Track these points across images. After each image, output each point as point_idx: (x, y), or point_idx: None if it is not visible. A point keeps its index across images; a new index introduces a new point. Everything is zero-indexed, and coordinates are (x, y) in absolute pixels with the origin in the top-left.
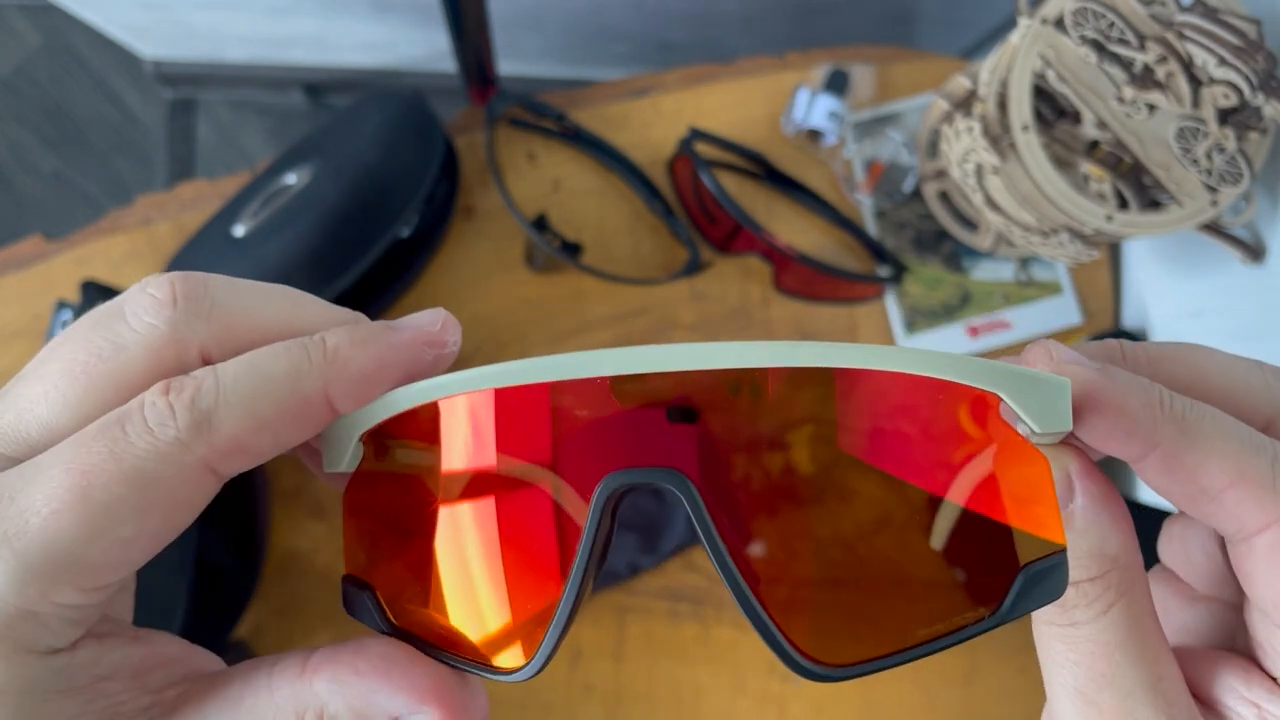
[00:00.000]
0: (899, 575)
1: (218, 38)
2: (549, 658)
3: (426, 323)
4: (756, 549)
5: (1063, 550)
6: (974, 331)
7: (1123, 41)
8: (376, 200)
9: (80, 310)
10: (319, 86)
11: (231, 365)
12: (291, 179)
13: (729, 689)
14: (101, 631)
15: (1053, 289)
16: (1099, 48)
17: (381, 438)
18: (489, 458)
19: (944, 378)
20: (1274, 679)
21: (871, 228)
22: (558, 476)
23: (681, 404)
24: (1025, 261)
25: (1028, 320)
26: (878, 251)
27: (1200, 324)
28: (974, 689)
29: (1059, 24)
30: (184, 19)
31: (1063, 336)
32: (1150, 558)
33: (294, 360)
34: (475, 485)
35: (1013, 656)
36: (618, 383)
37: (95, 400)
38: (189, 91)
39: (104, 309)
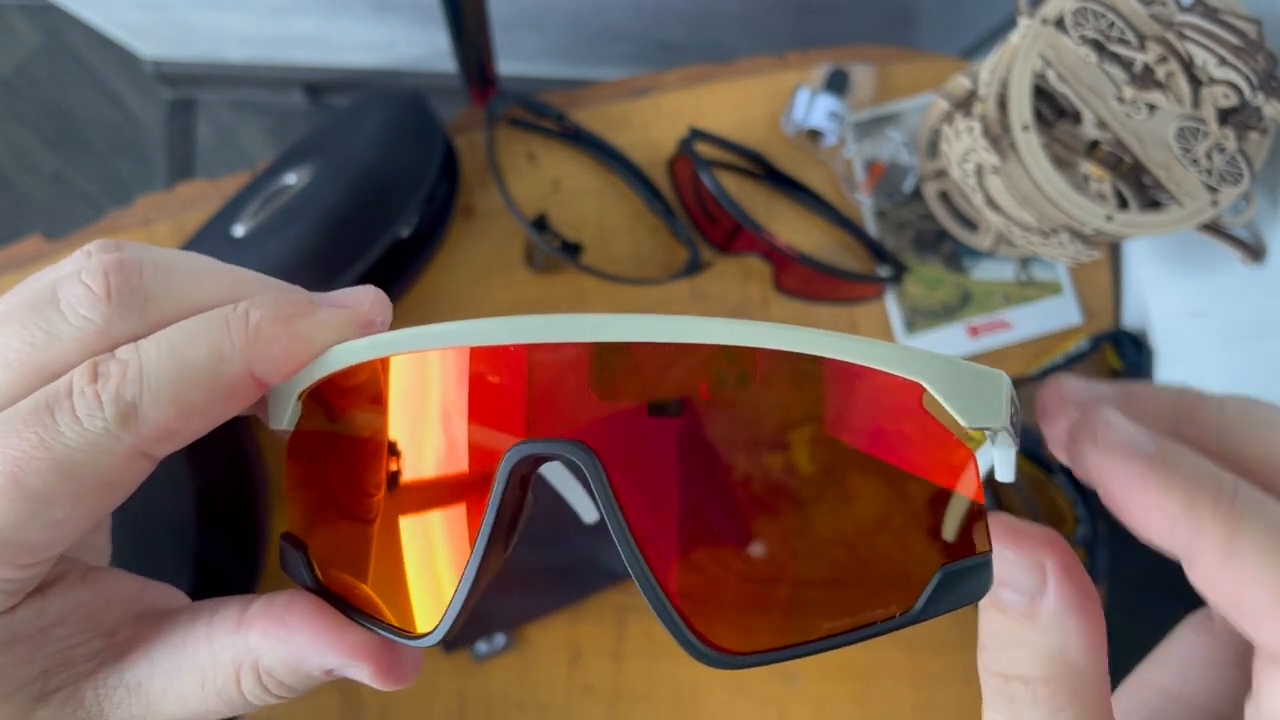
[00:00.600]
0: (809, 564)
1: (218, 37)
2: (453, 624)
3: (355, 300)
4: (660, 529)
5: (986, 554)
6: (974, 331)
7: (1123, 41)
8: (376, 200)
9: None
10: (319, 86)
11: (154, 349)
12: (291, 179)
13: (729, 689)
14: (50, 580)
15: (1053, 289)
16: (1099, 48)
17: (317, 398)
18: (407, 424)
19: (860, 363)
20: None
21: (871, 228)
22: (471, 444)
23: (596, 377)
24: (1025, 261)
25: (1028, 320)
26: (878, 251)
27: (1200, 324)
28: (973, 689)
29: (1059, 24)
30: (184, 19)
31: (1063, 336)
32: (1163, 559)
33: (216, 343)
34: (394, 451)
35: None
36: (531, 352)
37: (25, 387)
38: (189, 91)
39: (39, 292)
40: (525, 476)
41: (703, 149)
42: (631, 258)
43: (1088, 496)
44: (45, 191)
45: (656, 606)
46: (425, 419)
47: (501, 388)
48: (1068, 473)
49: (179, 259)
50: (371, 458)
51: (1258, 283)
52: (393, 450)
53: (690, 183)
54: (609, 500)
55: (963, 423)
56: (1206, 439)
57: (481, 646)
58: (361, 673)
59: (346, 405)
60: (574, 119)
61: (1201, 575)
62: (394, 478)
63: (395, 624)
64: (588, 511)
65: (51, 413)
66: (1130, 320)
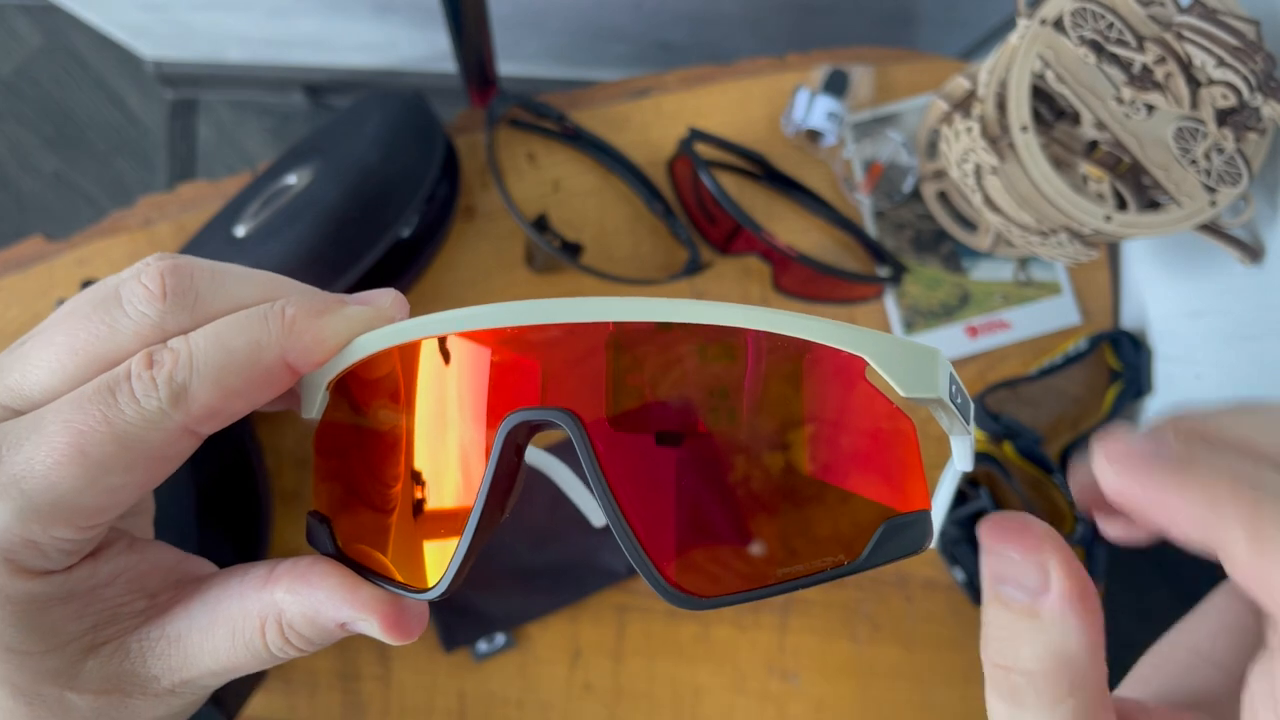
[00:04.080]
0: (769, 520)
1: (218, 38)
2: (454, 579)
3: (376, 299)
4: (638, 489)
5: (925, 511)
6: (973, 331)
7: (1121, 42)
8: (377, 200)
9: None
10: (319, 87)
11: (202, 338)
12: (292, 179)
13: (728, 688)
14: (102, 546)
15: (1052, 289)
16: (1098, 48)
17: (342, 388)
18: (419, 405)
19: (811, 339)
20: None
21: (871, 228)
22: (472, 417)
23: (584, 353)
24: (1024, 262)
25: (1027, 320)
26: (877, 252)
27: (1199, 324)
28: (972, 688)
29: (1058, 25)
30: (185, 19)
31: (1062, 336)
32: (1162, 559)
33: (254, 333)
34: (408, 430)
35: None
36: (522, 333)
37: (89, 374)
38: (190, 92)
39: (104, 291)
40: (520, 445)
41: (702, 149)
42: (631, 258)
43: None
44: (46, 192)
45: (634, 557)
46: (434, 400)
47: (498, 366)
48: (1068, 473)
49: (225, 267)
50: (389, 438)
51: (1256, 283)
52: (407, 430)
53: (690, 183)
54: (591, 462)
55: (900, 392)
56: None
57: (481, 646)
58: (371, 626)
59: (367, 393)
60: (574, 119)
61: (1237, 570)
62: (409, 454)
63: (404, 582)
64: (596, 517)
65: (113, 393)
66: (1129, 320)
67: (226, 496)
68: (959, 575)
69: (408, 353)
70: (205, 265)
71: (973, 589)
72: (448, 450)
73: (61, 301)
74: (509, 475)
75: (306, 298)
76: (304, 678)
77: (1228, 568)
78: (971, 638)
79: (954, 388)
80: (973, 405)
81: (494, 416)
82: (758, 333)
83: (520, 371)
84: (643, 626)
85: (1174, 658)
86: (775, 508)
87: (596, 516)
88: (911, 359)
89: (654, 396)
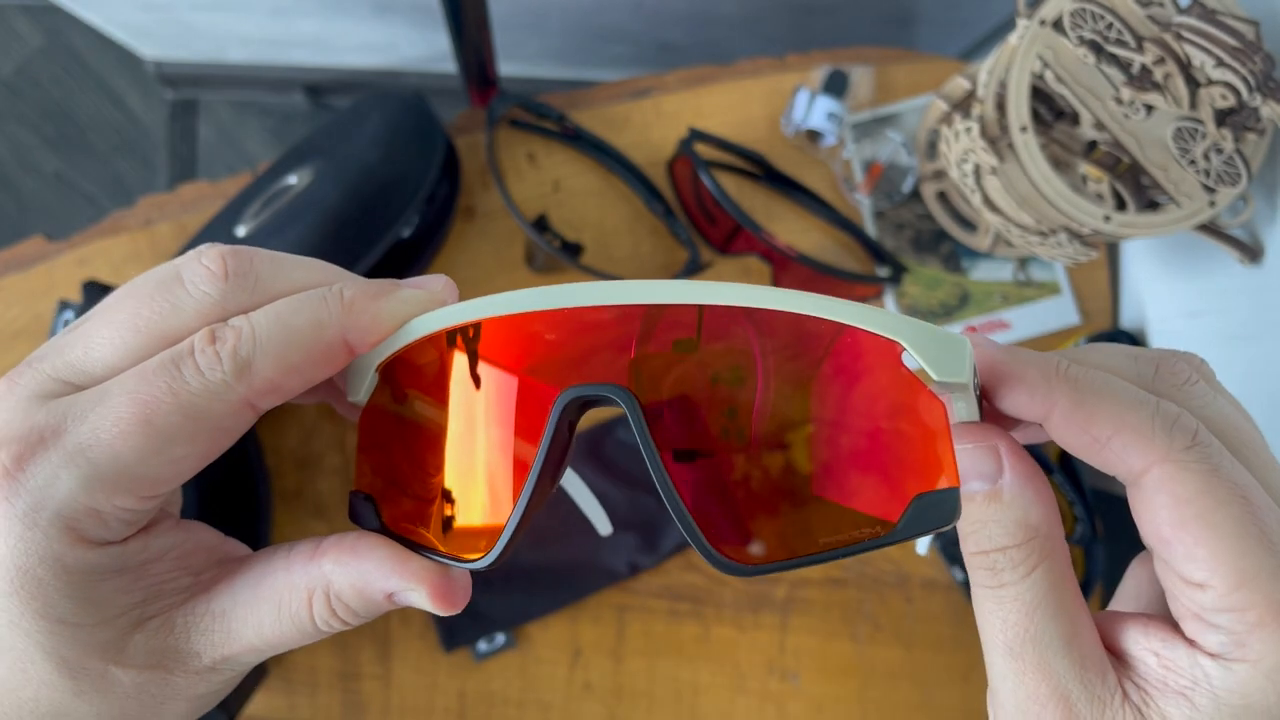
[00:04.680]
0: (808, 493)
1: (219, 39)
2: (505, 547)
3: (429, 282)
4: (689, 466)
5: (955, 489)
6: (973, 332)
7: (1121, 43)
8: (377, 201)
9: (81, 310)
10: (320, 87)
11: (263, 317)
12: (293, 179)
13: (728, 688)
14: (152, 523)
15: (1051, 289)
16: (1097, 49)
17: (391, 371)
18: (470, 383)
19: (851, 323)
20: (1172, 625)
21: (870, 228)
22: (529, 394)
23: (630, 334)
24: (1024, 262)
25: (1026, 320)
26: (877, 252)
27: (1198, 324)
28: (971, 687)
29: (1057, 25)
30: (185, 20)
31: (1061, 336)
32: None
33: (315, 311)
34: (458, 409)
35: None
36: (578, 313)
37: (151, 350)
38: (190, 92)
39: (163, 273)
40: (572, 421)
41: (702, 150)
42: (631, 258)
43: (1087, 496)
44: (47, 192)
45: (684, 525)
46: (487, 379)
47: (553, 344)
48: (1067, 473)
49: (283, 255)
50: (438, 417)
51: (1255, 283)
52: (460, 408)
53: (690, 183)
54: (644, 434)
55: (934, 376)
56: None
57: (481, 646)
58: (420, 596)
59: (416, 374)
60: (574, 120)
61: (1061, 426)
62: (462, 432)
63: (451, 553)
64: (603, 525)
65: (177, 366)
66: (1128, 320)
67: (227, 496)
68: (959, 575)
69: (459, 334)
70: (264, 251)
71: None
72: (499, 428)
73: (63, 301)
74: (561, 449)
75: (363, 281)
76: (304, 677)
77: (1051, 431)
78: (971, 637)
79: (976, 378)
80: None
81: (549, 392)
82: (805, 316)
83: (575, 349)
84: (643, 626)
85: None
86: (817, 484)
87: (603, 525)
88: (944, 346)
89: (705, 377)
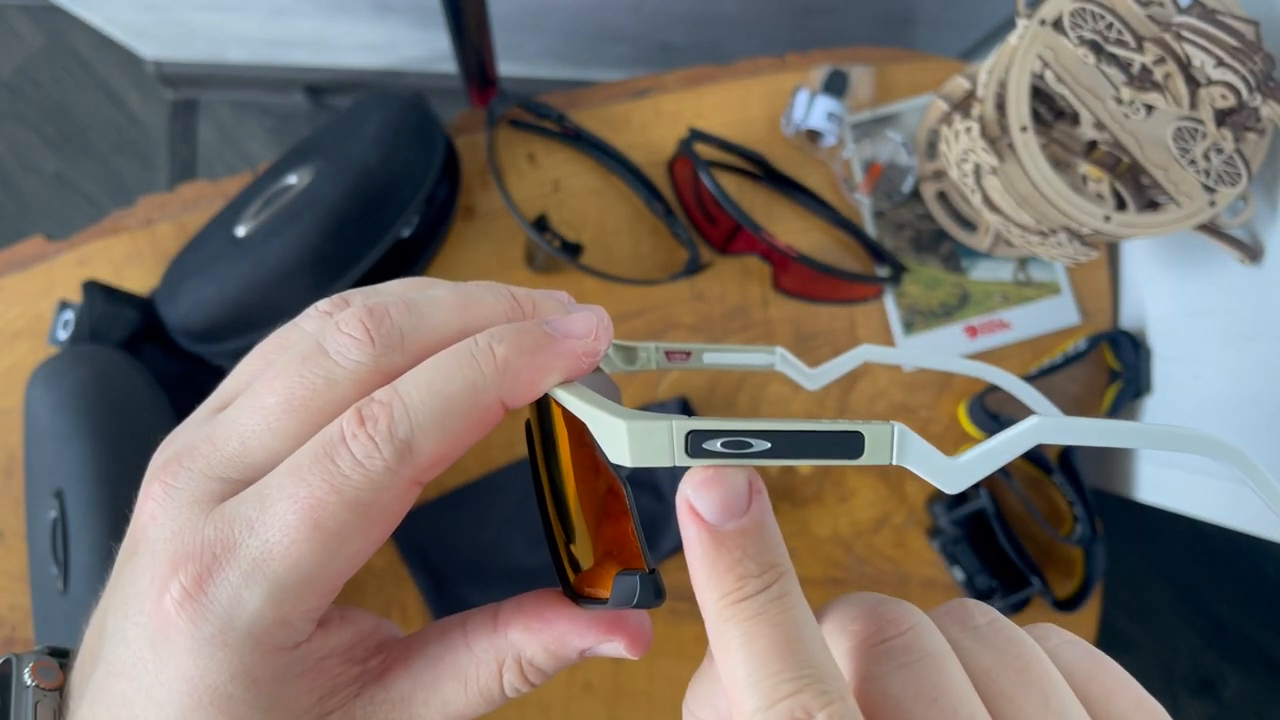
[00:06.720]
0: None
1: (219, 39)
2: (651, 578)
3: (582, 331)
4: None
5: (646, 571)
6: (972, 331)
7: (1121, 42)
8: (378, 201)
9: (82, 310)
10: (320, 87)
11: (413, 388)
12: (293, 179)
13: None
14: (324, 618)
15: (1051, 289)
16: (1097, 49)
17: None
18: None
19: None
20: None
21: (870, 228)
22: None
23: None
24: (1024, 262)
25: (1026, 320)
26: (876, 252)
27: (1197, 324)
28: None
29: (1057, 25)
30: (185, 20)
31: (1061, 336)
32: (1160, 558)
33: (470, 377)
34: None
35: None
36: None
37: (310, 429)
38: (190, 92)
39: (302, 345)
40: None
41: (702, 149)
42: (631, 258)
43: (1087, 496)
44: (47, 192)
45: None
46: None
47: None
48: (1067, 473)
49: (412, 296)
50: (597, 464)
51: (1255, 282)
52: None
53: (690, 183)
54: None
55: (610, 458)
56: None
57: None
58: (617, 647)
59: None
60: (574, 120)
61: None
62: (608, 482)
63: (627, 597)
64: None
65: (332, 459)
66: (1128, 320)
67: None
68: (959, 575)
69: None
70: (394, 300)
71: (972, 588)
72: (603, 475)
73: (63, 301)
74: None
75: (515, 333)
76: None
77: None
78: None
79: (708, 444)
80: (755, 444)
81: None
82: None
83: None
84: None
85: None
86: (587, 539)
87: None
88: (608, 431)
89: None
